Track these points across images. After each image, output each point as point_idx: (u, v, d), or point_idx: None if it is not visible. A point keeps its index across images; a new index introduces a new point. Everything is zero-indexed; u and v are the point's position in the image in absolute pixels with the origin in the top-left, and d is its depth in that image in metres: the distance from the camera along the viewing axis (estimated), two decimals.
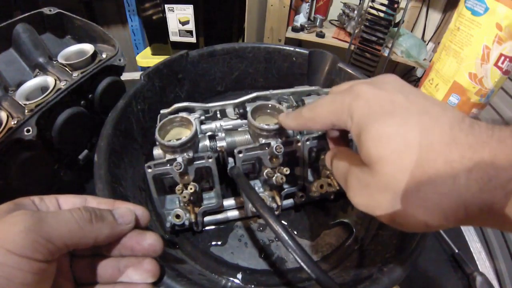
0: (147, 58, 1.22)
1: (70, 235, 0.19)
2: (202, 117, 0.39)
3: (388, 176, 0.17)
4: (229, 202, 0.37)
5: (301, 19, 1.35)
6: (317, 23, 1.37)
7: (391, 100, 0.18)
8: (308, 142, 0.34)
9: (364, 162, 0.18)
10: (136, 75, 0.74)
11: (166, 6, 1.06)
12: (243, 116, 0.39)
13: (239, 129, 0.37)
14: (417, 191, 0.16)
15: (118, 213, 0.22)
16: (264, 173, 0.33)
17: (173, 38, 1.15)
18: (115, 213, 0.22)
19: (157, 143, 0.31)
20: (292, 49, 0.52)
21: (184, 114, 0.35)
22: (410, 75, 1.51)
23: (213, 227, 0.37)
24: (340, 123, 0.20)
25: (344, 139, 0.27)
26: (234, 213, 0.37)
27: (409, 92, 0.19)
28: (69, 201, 0.22)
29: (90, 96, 0.40)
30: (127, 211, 0.22)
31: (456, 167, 0.15)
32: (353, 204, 0.20)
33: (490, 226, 0.16)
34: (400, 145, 0.16)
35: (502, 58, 0.43)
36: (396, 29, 1.14)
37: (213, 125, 0.38)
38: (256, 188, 0.36)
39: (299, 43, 1.39)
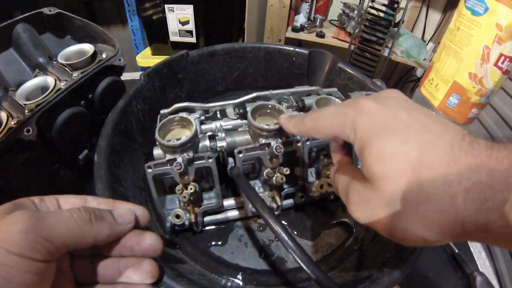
0: (147, 58, 1.22)
1: (69, 235, 0.19)
2: (202, 117, 0.39)
3: (389, 193, 0.17)
4: (229, 202, 0.37)
5: (301, 19, 1.35)
6: (317, 23, 1.36)
7: (394, 116, 0.18)
8: (308, 142, 0.34)
9: (366, 178, 0.19)
10: (136, 75, 0.74)
11: (166, 6, 1.06)
12: (243, 116, 0.39)
13: (239, 129, 0.37)
14: (417, 209, 0.16)
15: (117, 213, 0.22)
16: (264, 173, 0.33)
17: (173, 38, 1.15)
18: (114, 213, 0.22)
19: (157, 143, 0.31)
20: (292, 49, 0.52)
21: (184, 114, 0.35)
22: (410, 75, 1.51)
23: (213, 227, 0.37)
24: (342, 135, 0.21)
25: (346, 149, 0.27)
26: (234, 213, 0.37)
27: (412, 109, 0.19)
28: (69, 201, 0.22)
29: (90, 96, 0.40)
30: (126, 211, 0.22)
31: (454, 187, 0.15)
32: (353, 218, 0.20)
33: (487, 243, 0.17)
34: (401, 163, 0.17)
35: (502, 58, 0.43)
36: (396, 29, 1.14)
37: (213, 125, 0.38)
38: (256, 188, 0.36)
39: (299, 43, 1.39)
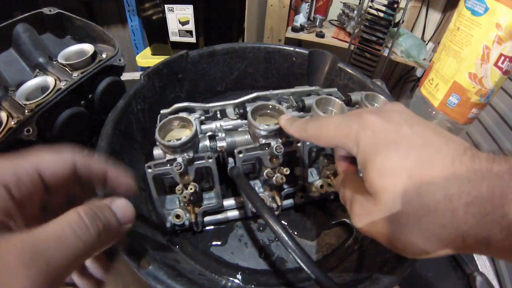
0: (147, 58, 1.22)
1: (76, 260, 0.15)
2: (202, 117, 0.39)
3: (390, 206, 0.18)
4: (229, 202, 0.37)
5: (301, 19, 1.35)
6: (317, 23, 1.36)
7: (396, 131, 0.19)
8: (308, 142, 0.34)
9: (368, 191, 0.19)
10: (136, 75, 0.74)
11: (166, 6, 1.06)
12: (243, 116, 0.39)
13: (239, 129, 0.37)
14: (417, 222, 0.17)
15: (120, 212, 0.19)
16: (264, 173, 0.33)
17: (173, 38, 1.15)
18: (116, 211, 0.19)
19: (157, 143, 0.31)
20: (292, 49, 0.52)
21: (184, 114, 0.35)
22: (410, 75, 1.51)
23: (213, 227, 0.37)
24: (345, 147, 0.21)
25: (351, 158, 0.27)
26: (234, 213, 0.37)
27: (414, 123, 0.19)
28: (53, 172, 0.18)
29: (90, 96, 0.40)
30: (128, 207, 0.20)
31: (454, 201, 0.16)
32: (357, 228, 0.21)
33: (489, 255, 0.17)
34: (402, 178, 0.17)
35: (502, 58, 0.43)
36: (396, 29, 1.14)
37: (213, 125, 0.38)
38: (256, 188, 0.36)
39: (299, 43, 1.39)
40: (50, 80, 0.36)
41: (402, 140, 0.18)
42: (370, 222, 0.19)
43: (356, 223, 0.21)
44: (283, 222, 0.38)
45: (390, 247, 0.19)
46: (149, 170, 0.31)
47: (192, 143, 0.31)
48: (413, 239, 0.17)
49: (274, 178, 0.32)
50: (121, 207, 0.20)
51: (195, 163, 0.31)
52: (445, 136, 0.18)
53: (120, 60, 0.42)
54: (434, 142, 0.18)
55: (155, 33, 1.17)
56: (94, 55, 0.40)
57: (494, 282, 0.42)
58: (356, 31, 1.19)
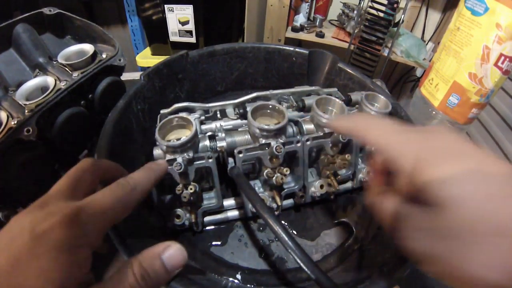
0: (147, 58, 1.22)
1: None
2: (202, 117, 0.39)
3: (462, 220, 0.15)
4: (229, 202, 0.37)
5: (300, 19, 1.35)
6: (317, 23, 1.36)
7: (458, 148, 0.17)
8: (308, 142, 0.34)
9: (427, 203, 0.17)
10: (136, 75, 0.74)
11: (166, 6, 1.06)
12: (243, 116, 0.39)
13: (239, 129, 0.37)
14: (495, 245, 0.14)
15: (169, 261, 0.21)
16: (264, 173, 0.33)
17: (173, 38, 1.15)
18: (166, 261, 0.20)
19: (157, 143, 0.31)
20: (292, 49, 0.52)
21: (184, 114, 0.35)
22: (410, 75, 1.51)
23: (213, 227, 0.37)
24: (392, 160, 0.19)
25: (385, 170, 0.24)
26: (234, 213, 0.37)
27: (467, 144, 0.18)
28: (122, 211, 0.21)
29: (90, 96, 0.40)
30: (179, 256, 0.21)
31: None
32: (404, 250, 0.18)
33: None
34: (470, 190, 0.15)
35: (502, 58, 0.43)
36: (395, 29, 1.14)
37: (213, 125, 0.38)
38: (256, 188, 0.36)
39: (299, 43, 1.39)
40: (50, 80, 0.36)
41: (465, 155, 0.17)
42: (429, 240, 0.16)
43: (405, 241, 0.18)
44: (283, 222, 0.38)
45: (452, 278, 0.16)
46: None
47: (192, 143, 0.31)
48: (479, 264, 0.14)
49: (274, 178, 0.32)
50: (172, 257, 0.21)
51: (195, 163, 0.31)
52: (493, 156, 0.17)
53: (120, 60, 0.42)
54: (486, 161, 0.16)
55: (155, 33, 1.17)
56: (94, 55, 0.40)
57: None
58: (356, 31, 1.19)
